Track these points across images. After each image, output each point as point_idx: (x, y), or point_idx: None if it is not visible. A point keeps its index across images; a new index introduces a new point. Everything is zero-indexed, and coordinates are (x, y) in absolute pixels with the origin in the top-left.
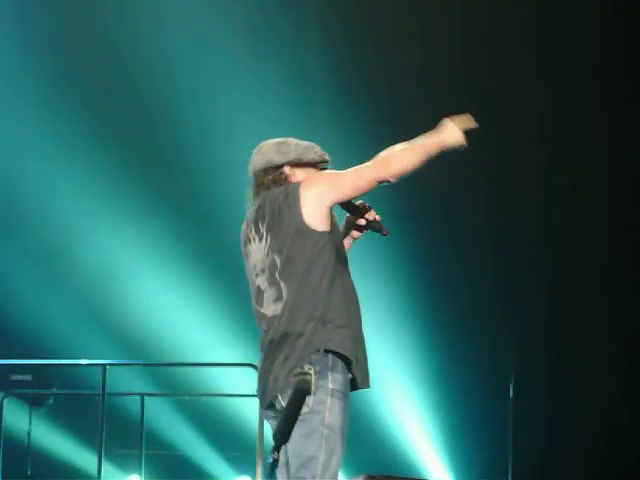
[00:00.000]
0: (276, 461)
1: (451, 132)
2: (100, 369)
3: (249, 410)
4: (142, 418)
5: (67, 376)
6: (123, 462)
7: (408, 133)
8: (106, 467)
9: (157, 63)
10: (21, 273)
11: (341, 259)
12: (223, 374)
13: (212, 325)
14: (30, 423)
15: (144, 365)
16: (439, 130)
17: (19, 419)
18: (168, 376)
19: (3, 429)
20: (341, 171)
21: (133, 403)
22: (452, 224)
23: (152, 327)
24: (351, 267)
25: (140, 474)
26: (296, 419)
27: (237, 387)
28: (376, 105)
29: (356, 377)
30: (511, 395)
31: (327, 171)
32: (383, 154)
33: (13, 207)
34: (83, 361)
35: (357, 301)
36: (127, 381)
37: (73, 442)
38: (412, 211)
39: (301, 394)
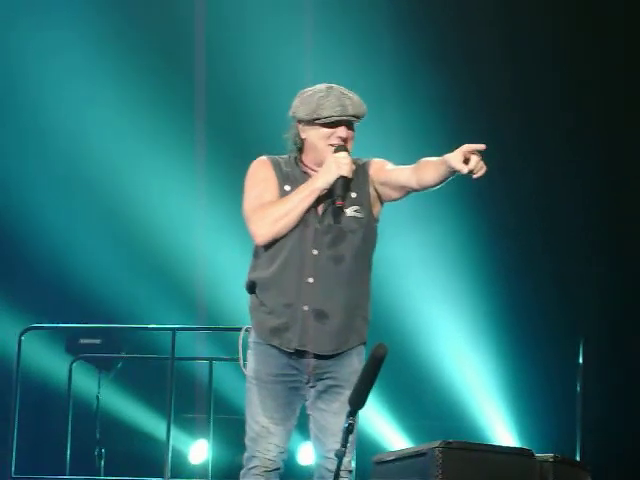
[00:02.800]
0: (352, 426)
1: (323, 173)
2: (169, 333)
3: None
4: (210, 383)
5: (136, 340)
6: (191, 426)
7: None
8: (174, 431)
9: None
10: (91, 237)
11: None
12: None
13: None
14: (99, 387)
15: (212, 330)
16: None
17: (88, 383)
18: (233, 340)
19: (72, 393)
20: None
21: (201, 368)
22: (530, 181)
23: (221, 292)
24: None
25: (208, 438)
26: (372, 385)
27: None
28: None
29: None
30: (580, 362)
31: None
32: (258, 211)
33: (78, 166)
34: (152, 325)
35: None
36: (195, 346)
37: (141, 406)
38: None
39: (379, 359)
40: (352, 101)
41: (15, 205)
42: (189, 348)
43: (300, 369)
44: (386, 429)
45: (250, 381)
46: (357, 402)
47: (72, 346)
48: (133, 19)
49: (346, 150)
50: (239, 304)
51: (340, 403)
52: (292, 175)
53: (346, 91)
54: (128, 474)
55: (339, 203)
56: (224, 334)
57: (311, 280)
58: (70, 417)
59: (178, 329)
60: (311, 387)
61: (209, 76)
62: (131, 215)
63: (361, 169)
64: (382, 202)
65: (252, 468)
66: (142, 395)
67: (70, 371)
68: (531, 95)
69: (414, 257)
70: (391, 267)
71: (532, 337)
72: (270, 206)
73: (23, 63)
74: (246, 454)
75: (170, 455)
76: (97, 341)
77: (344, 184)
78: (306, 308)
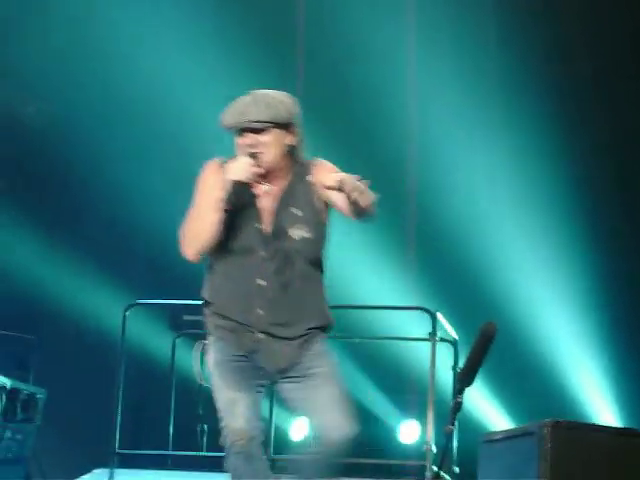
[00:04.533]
0: (459, 404)
1: (231, 169)
2: None
3: (419, 354)
4: None
5: None
6: None
7: None
8: (276, 409)
9: None
10: None
11: None
12: (393, 317)
13: (382, 267)
14: (201, 363)
15: None
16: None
17: (191, 359)
18: (339, 319)
19: (175, 369)
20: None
21: None
22: None
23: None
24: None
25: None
26: (482, 363)
27: (407, 330)
28: None
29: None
30: None
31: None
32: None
33: (185, 149)
34: None
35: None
36: None
37: None
38: None
39: (489, 337)
40: (257, 107)
41: (125, 183)
42: None
43: (263, 375)
44: (488, 408)
45: (213, 373)
46: (466, 380)
47: (176, 322)
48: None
49: (255, 156)
50: (345, 281)
51: (317, 378)
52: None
53: (263, 96)
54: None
55: (226, 209)
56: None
57: (261, 312)
58: (173, 393)
59: None
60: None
61: (309, 67)
62: None
63: (303, 177)
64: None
65: (230, 447)
66: None
67: (173, 347)
68: None
69: (523, 243)
70: (501, 254)
71: (637, 318)
72: (188, 222)
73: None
74: (222, 435)
75: (273, 432)
76: (200, 318)
77: (235, 189)
78: (261, 336)
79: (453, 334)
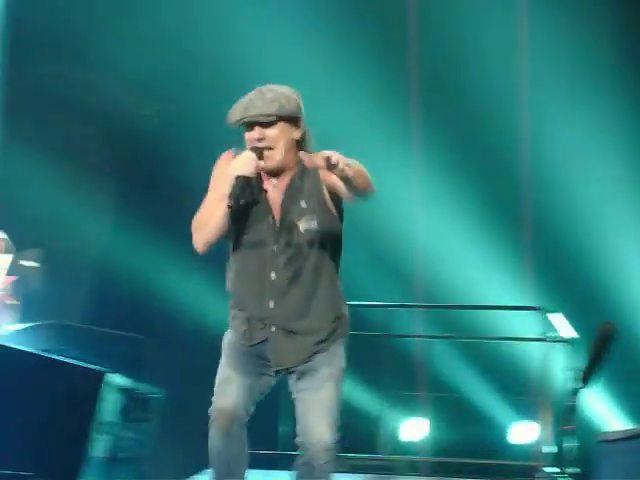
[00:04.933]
0: (575, 405)
1: (235, 164)
2: (383, 311)
3: (532, 354)
4: (425, 361)
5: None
6: (404, 404)
7: None
8: (388, 409)
9: None
10: None
11: None
12: (504, 317)
13: (494, 267)
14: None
15: (427, 307)
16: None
17: None
18: (451, 318)
19: None
20: None
21: (416, 345)
22: None
23: (436, 269)
24: None
25: (423, 416)
26: (602, 364)
27: (519, 330)
28: None
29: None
30: None
31: None
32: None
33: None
34: (365, 303)
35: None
36: (411, 323)
37: (356, 383)
38: None
39: (608, 338)
40: (263, 101)
41: None
42: (405, 325)
43: (274, 373)
44: (603, 407)
45: (222, 354)
46: (585, 381)
47: None
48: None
49: (260, 151)
50: (458, 281)
51: (316, 380)
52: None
53: (268, 91)
54: (339, 450)
55: (229, 204)
56: (440, 312)
57: (272, 305)
58: (284, 393)
59: (392, 307)
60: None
61: (423, 55)
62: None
63: (311, 172)
64: None
65: (211, 423)
66: (357, 372)
67: None
68: None
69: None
70: (619, 249)
71: None
72: (197, 213)
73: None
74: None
75: (385, 432)
76: None
77: (240, 184)
78: (273, 329)
79: (571, 333)
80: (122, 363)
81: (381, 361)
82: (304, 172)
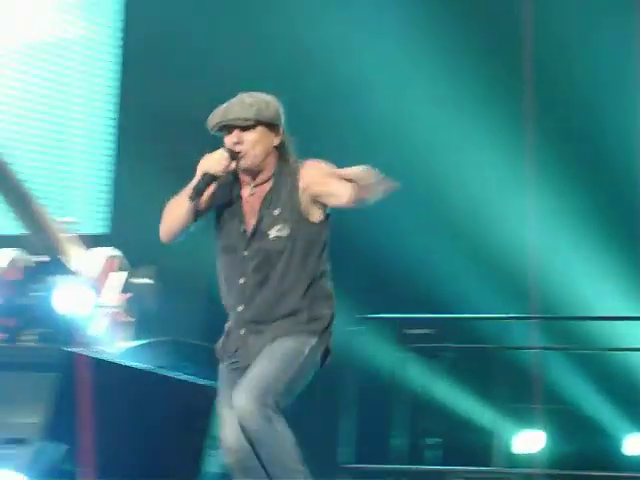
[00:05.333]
0: None
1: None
2: (497, 323)
3: None
4: (541, 373)
5: (464, 330)
6: (520, 416)
7: None
8: (502, 421)
9: None
10: (419, 229)
11: None
12: (620, 328)
13: (611, 277)
14: (427, 377)
15: (542, 319)
16: None
17: (416, 372)
18: (566, 330)
19: (400, 382)
20: None
21: (531, 357)
22: None
23: (551, 280)
24: None
25: (538, 429)
26: None
27: (633, 341)
28: None
29: None
30: None
31: None
32: None
33: (400, 154)
34: (483, 315)
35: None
36: (525, 334)
37: (469, 395)
38: None
39: None
40: (242, 105)
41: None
42: (521, 337)
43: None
44: None
45: None
46: None
47: (402, 336)
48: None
49: (236, 154)
50: (573, 292)
51: (257, 359)
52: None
53: (248, 96)
54: (452, 463)
55: (191, 197)
56: (556, 323)
57: (240, 308)
58: (396, 407)
59: (508, 318)
60: None
61: (537, 65)
62: (455, 203)
63: (289, 178)
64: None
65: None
66: (470, 385)
67: (400, 361)
68: None
69: None
70: None
71: None
72: (167, 205)
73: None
74: None
75: (498, 444)
76: (428, 331)
77: (205, 180)
78: (243, 332)
79: None
80: None
81: (495, 374)
82: (283, 179)
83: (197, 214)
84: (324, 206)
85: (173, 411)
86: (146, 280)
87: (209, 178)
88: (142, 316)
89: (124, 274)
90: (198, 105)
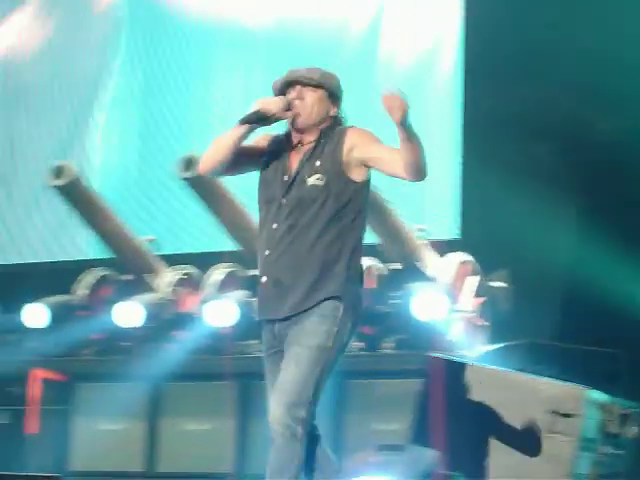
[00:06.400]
0: None
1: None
2: None
3: None
4: None
5: None
6: None
7: None
8: None
9: None
10: None
11: None
12: None
13: None
14: None
15: None
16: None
17: None
18: None
19: None
20: None
21: None
22: None
23: None
24: None
25: None
26: None
27: None
28: None
29: None
30: None
31: None
32: None
33: None
34: None
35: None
36: None
37: None
38: None
39: None
40: (310, 70)
41: None
42: None
43: (275, 336)
44: None
45: None
46: None
47: None
48: None
49: (293, 106)
50: None
51: (285, 360)
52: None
53: (315, 67)
54: None
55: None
56: None
57: (267, 252)
58: None
59: None
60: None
61: None
62: None
63: (335, 138)
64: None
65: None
66: None
67: None
68: None
69: None
70: None
71: None
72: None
73: None
74: None
75: None
76: None
77: (256, 115)
78: (264, 279)
79: None
80: (598, 379)
81: None
82: (328, 136)
83: (240, 156)
84: (367, 169)
85: (537, 413)
86: (499, 283)
87: (260, 115)
88: (496, 319)
89: (477, 278)
90: (546, 105)
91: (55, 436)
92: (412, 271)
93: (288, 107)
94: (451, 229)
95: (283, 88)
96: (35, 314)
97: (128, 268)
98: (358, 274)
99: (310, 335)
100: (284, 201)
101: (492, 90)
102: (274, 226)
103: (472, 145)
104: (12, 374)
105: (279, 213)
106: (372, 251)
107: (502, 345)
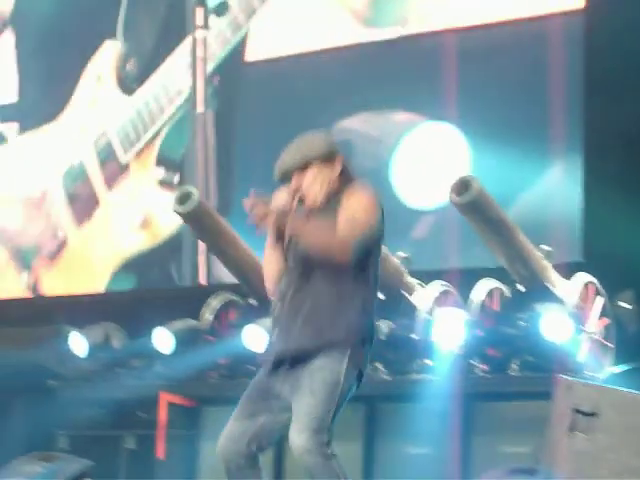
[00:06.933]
0: None
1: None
2: None
3: None
4: None
5: None
6: None
7: None
8: None
9: None
10: None
11: None
12: None
13: None
14: None
15: None
16: None
17: None
18: None
19: None
20: None
21: None
22: None
23: None
24: None
25: None
26: None
27: None
28: None
29: None
30: None
31: None
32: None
33: None
34: None
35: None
36: None
37: None
38: None
39: None
40: (288, 154)
41: None
42: None
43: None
44: None
45: None
46: None
47: None
48: None
49: (301, 197)
50: None
51: (297, 394)
52: None
53: (297, 141)
54: None
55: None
56: None
57: (279, 306)
58: None
59: None
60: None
61: None
62: None
63: (334, 201)
64: None
65: None
66: None
67: None
68: None
69: None
70: None
71: None
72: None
73: None
74: None
75: None
76: None
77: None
78: (277, 330)
79: None
80: None
81: None
82: (333, 196)
83: (280, 239)
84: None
85: None
86: (624, 305)
87: (277, 218)
88: (622, 341)
89: (602, 300)
90: None
91: (182, 461)
92: (536, 293)
93: (293, 196)
94: (572, 251)
95: (283, 181)
96: (162, 339)
97: (252, 293)
98: (367, 327)
99: (322, 371)
100: (291, 263)
101: (613, 109)
102: (282, 287)
103: (594, 165)
104: (139, 399)
105: (288, 273)
106: (495, 273)
107: (630, 367)
